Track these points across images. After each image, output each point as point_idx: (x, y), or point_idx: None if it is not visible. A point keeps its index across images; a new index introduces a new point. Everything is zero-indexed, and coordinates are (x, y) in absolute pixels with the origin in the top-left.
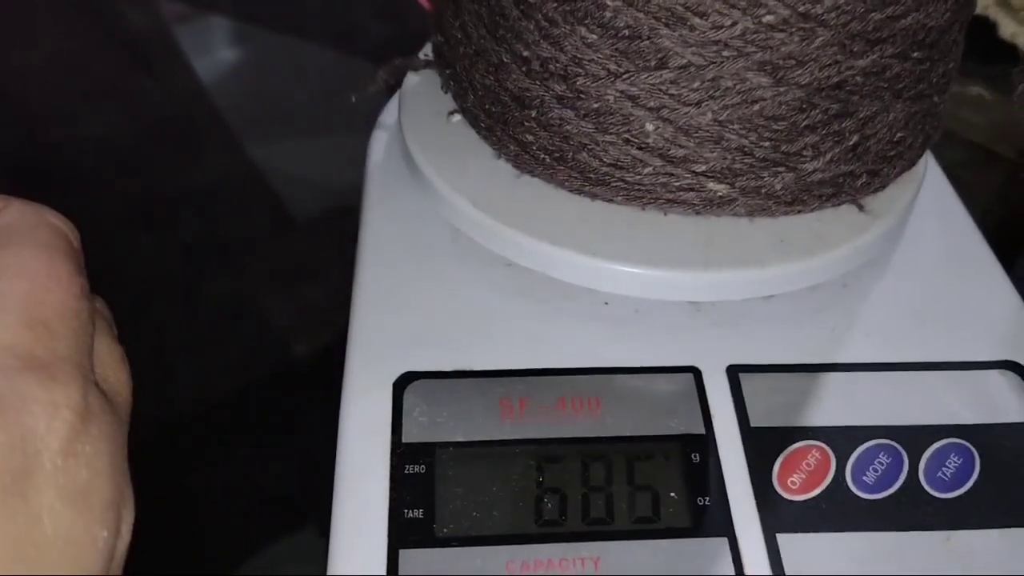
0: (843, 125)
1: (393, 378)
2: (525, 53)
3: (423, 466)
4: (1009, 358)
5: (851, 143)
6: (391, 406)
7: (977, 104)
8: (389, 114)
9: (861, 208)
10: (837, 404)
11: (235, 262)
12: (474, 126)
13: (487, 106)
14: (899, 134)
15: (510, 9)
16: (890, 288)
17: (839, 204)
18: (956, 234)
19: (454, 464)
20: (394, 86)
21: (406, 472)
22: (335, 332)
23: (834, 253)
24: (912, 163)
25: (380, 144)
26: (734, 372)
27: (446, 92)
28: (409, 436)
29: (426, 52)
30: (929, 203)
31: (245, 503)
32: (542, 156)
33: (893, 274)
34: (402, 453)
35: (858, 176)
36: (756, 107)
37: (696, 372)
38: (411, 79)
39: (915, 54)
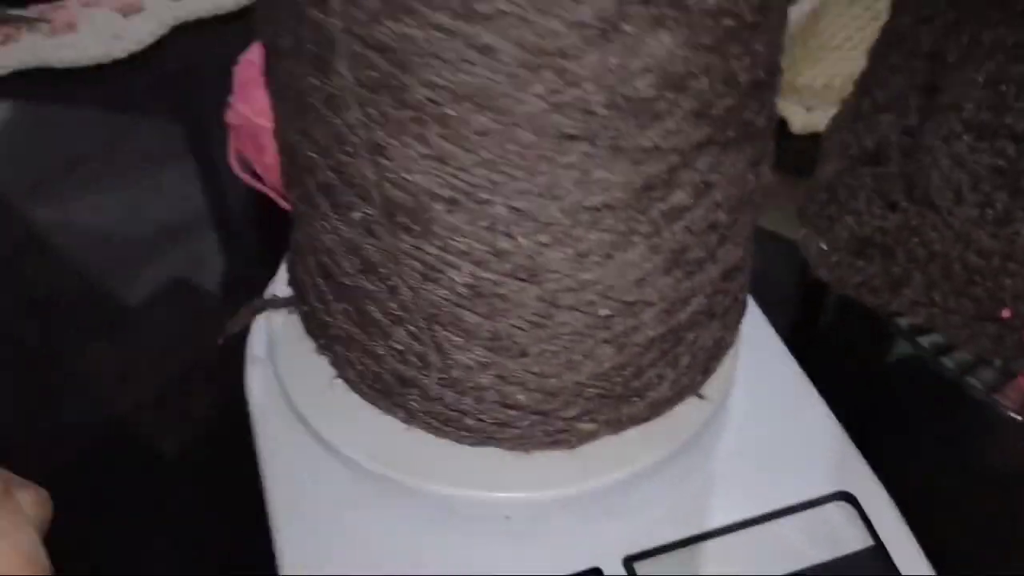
0: (677, 351)
1: None
2: (399, 347)
3: None
4: (841, 488)
5: (684, 364)
6: None
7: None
8: (258, 344)
9: (701, 397)
10: (718, 570)
11: None
12: (358, 393)
13: (369, 383)
14: (719, 334)
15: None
16: (731, 444)
17: (682, 401)
18: (778, 372)
19: None
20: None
21: None
22: None
23: (682, 436)
24: (732, 343)
25: (258, 383)
26: (629, 563)
27: (321, 356)
28: None
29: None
30: (750, 341)
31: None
32: (430, 421)
33: (732, 429)
34: None
35: (697, 382)
36: (607, 365)
37: (598, 573)
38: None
39: (725, 285)
